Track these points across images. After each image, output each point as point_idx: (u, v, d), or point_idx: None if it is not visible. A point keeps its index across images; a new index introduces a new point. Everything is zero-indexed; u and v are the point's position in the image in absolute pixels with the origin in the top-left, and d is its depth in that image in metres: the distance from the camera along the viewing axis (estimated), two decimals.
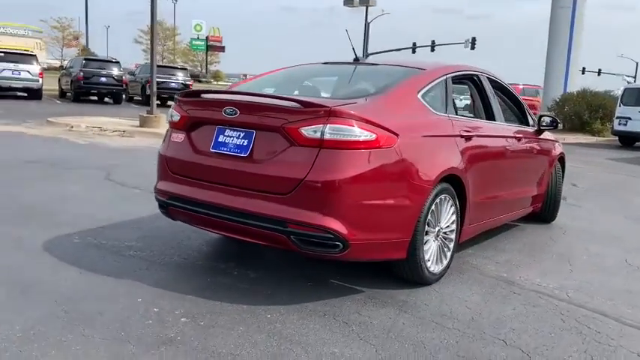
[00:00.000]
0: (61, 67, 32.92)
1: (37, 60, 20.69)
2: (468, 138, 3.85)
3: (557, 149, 5.73)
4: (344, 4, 33.27)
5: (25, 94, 19.95)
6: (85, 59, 22.05)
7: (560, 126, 16.14)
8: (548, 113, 5.53)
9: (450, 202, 3.64)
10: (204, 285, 3.36)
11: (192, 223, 3.65)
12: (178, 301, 3.08)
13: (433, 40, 41.48)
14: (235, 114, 3.23)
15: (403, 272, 3.52)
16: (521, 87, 27.12)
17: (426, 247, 3.47)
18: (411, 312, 3.16)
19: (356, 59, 4.42)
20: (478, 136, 4.03)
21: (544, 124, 5.20)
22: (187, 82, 22.95)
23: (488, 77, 4.69)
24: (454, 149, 3.68)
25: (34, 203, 5.11)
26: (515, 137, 4.71)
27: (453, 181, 3.64)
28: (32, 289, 3.15)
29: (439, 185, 3.46)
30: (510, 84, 5.36)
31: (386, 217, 3.21)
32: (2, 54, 19.94)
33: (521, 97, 5.41)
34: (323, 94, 3.90)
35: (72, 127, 11.78)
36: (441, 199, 3.53)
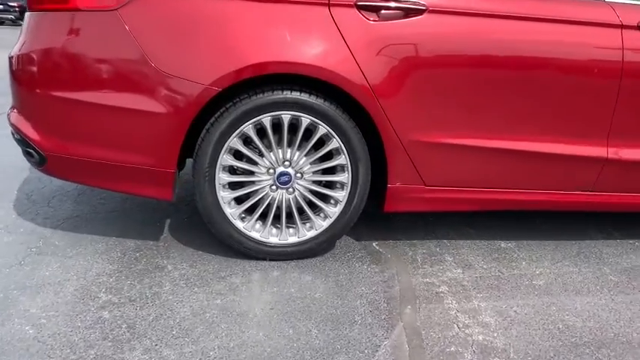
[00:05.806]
0: None
1: None
2: (414, 12, 2.03)
3: None
4: None
5: None
6: None
7: None
8: None
9: (323, 131, 2.10)
10: None
11: None
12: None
13: None
14: None
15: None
16: None
17: (227, 194, 2.13)
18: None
19: None
20: (468, 14, 2.07)
21: None
22: None
23: None
24: (329, 31, 1.99)
25: None
26: None
27: (333, 95, 2.09)
28: None
29: (268, 93, 2.02)
30: None
31: (103, 124, 2.01)
32: None
33: None
34: None
35: None
36: (280, 118, 2.06)
